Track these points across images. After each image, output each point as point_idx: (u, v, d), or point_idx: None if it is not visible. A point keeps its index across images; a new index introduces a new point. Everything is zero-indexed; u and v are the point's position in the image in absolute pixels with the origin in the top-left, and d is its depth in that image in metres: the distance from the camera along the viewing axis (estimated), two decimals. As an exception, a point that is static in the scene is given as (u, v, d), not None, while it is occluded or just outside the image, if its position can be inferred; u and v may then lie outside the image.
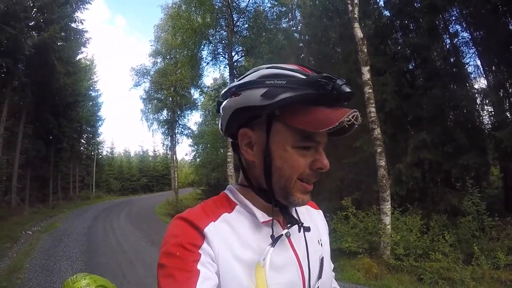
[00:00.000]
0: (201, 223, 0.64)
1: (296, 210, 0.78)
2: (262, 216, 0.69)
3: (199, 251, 0.60)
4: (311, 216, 0.84)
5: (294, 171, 0.64)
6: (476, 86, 8.68)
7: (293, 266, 0.69)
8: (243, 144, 0.69)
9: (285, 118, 0.63)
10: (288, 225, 0.70)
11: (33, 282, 5.64)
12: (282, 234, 0.67)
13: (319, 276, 0.74)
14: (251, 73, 0.68)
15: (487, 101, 8.03)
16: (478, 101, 8.04)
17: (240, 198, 0.71)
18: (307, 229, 0.73)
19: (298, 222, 0.71)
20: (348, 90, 0.59)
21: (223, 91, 0.73)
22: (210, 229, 0.63)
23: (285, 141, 0.64)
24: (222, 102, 0.72)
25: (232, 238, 0.65)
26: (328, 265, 0.80)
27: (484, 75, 8.64)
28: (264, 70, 0.66)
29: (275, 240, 0.65)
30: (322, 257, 0.78)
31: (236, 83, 0.69)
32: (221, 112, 0.73)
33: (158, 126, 21.34)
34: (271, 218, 0.69)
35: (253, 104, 0.63)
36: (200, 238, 0.62)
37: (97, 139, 32.42)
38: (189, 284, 0.55)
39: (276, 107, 0.62)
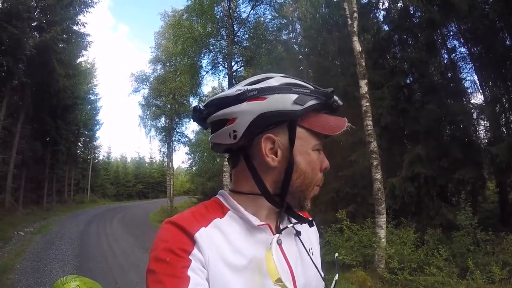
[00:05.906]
0: (192, 228, 0.62)
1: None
2: (255, 221, 0.68)
3: (189, 257, 0.59)
4: (303, 225, 0.83)
5: (315, 174, 0.70)
6: (472, 101, 8.71)
7: (284, 274, 0.67)
8: (266, 149, 0.67)
9: (303, 123, 0.67)
10: (281, 230, 0.70)
11: (23, 283, 5.61)
12: (289, 225, 0.73)
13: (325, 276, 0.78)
14: (262, 79, 0.69)
15: (483, 116, 8.07)
16: (474, 116, 8.06)
17: (232, 204, 0.70)
18: (298, 233, 0.77)
19: (306, 220, 0.76)
20: (341, 103, 0.72)
21: (216, 96, 0.72)
22: (201, 235, 0.62)
23: (307, 144, 0.68)
24: (201, 109, 0.72)
25: (223, 244, 0.64)
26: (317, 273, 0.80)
27: (480, 90, 8.68)
28: (283, 78, 0.68)
29: (279, 231, 0.70)
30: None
31: (253, 86, 0.67)
32: (233, 116, 0.66)
33: (156, 133, 21.25)
34: (264, 222, 0.69)
35: (284, 108, 0.64)
36: (190, 244, 0.61)
37: (94, 143, 32.45)
38: None
39: (304, 112, 0.66)
